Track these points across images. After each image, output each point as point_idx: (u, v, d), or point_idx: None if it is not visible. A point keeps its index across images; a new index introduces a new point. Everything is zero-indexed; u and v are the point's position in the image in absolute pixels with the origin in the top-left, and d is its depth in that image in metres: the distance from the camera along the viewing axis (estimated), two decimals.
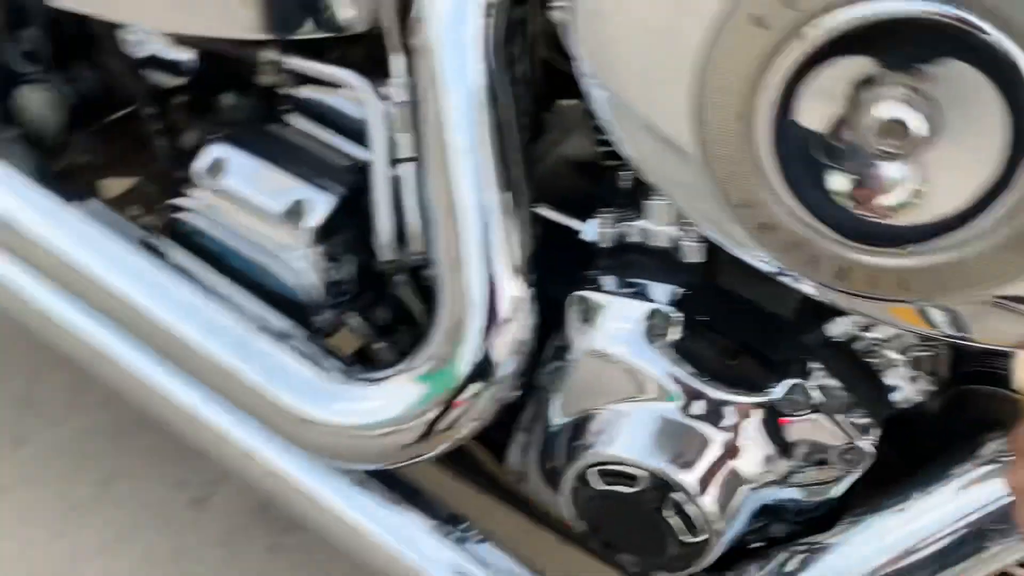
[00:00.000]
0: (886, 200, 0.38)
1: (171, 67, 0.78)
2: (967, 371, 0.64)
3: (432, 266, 0.65)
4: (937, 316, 0.45)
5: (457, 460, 0.75)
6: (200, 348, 0.70)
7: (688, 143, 0.43)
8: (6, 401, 1.05)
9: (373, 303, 0.74)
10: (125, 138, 0.84)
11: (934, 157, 0.38)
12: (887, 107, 0.37)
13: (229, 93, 0.78)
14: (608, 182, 0.66)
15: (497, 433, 0.70)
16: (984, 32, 0.36)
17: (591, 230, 0.65)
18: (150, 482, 1.02)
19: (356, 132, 0.73)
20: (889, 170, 0.38)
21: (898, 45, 0.36)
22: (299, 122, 0.75)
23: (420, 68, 0.62)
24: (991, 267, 0.39)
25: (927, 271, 0.40)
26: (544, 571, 0.73)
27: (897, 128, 0.37)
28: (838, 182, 0.39)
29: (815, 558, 0.61)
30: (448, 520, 0.73)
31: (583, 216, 0.67)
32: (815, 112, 0.39)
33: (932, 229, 0.38)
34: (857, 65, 0.37)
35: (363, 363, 0.74)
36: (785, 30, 0.37)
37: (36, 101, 0.78)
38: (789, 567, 0.62)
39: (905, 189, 0.38)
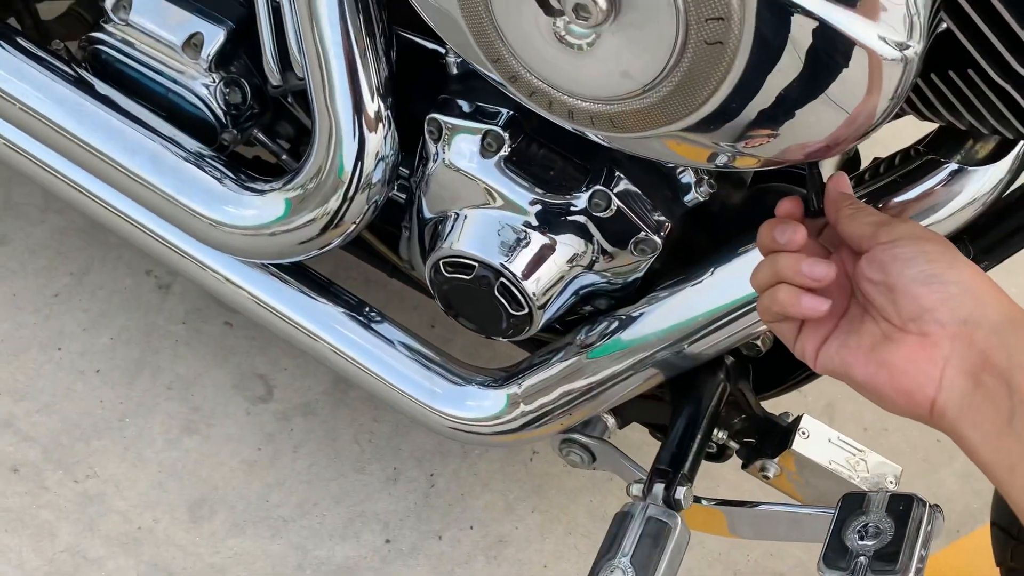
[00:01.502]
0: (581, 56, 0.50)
1: None
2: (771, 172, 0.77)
3: (307, 90, 0.76)
4: (655, 145, 0.57)
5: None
6: (127, 167, 0.83)
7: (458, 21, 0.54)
8: None
9: (273, 122, 0.86)
10: None
11: (612, 26, 0.49)
12: None
13: None
14: None
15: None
16: None
17: (450, 53, 0.76)
18: (120, 272, 1.18)
19: None
20: (581, 32, 0.49)
21: None
22: None
23: None
24: (664, 110, 0.51)
25: (624, 112, 0.52)
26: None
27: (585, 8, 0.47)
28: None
29: (625, 324, 0.77)
30: (346, 302, 0.89)
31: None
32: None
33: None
34: None
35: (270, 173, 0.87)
36: None
37: None
38: (603, 330, 0.78)
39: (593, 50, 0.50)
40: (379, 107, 0.74)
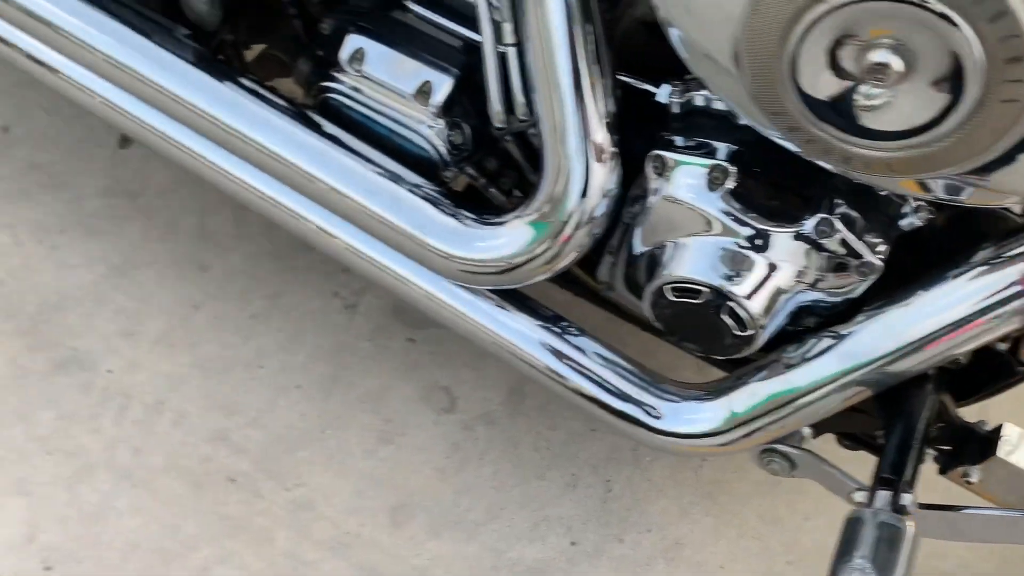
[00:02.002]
0: (874, 112, 0.55)
1: None
2: None
3: (537, 129, 0.83)
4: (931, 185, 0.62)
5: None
6: (356, 199, 0.90)
7: (734, 71, 0.60)
8: (186, 235, 1.29)
9: (487, 158, 0.93)
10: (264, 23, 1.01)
11: (908, 86, 0.54)
12: (875, 54, 0.53)
13: None
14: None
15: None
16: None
17: (663, 94, 0.82)
18: (309, 294, 1.27)
19: (465, 15, 0.89)
20: (876, 92, 0.54)
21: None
22: (416, 8, 0.91)
23: None
24: (947, 157, 0.56)
25: (906, 158, 0.57)
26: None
27: (882, 68, 0.53)
28: (843, 101, 0.56)
29: (837, 341, 0.82)
30: (550, 319, 0.96)
31: (656, 75, 0.83)
32: (826, 55, 0.55)
33: (907, 132, 0.55)
34: (854, 18, 0.53)
35: (480, 204, 0.94)
36: None
37: (199, 1, 0.95)
38: (816, 348, 0.83)
39: (887, 106, 0.54)
40: (607, 145, 0.81)
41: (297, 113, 0.93)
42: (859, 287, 0.79)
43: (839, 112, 0.57)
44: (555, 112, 0.80)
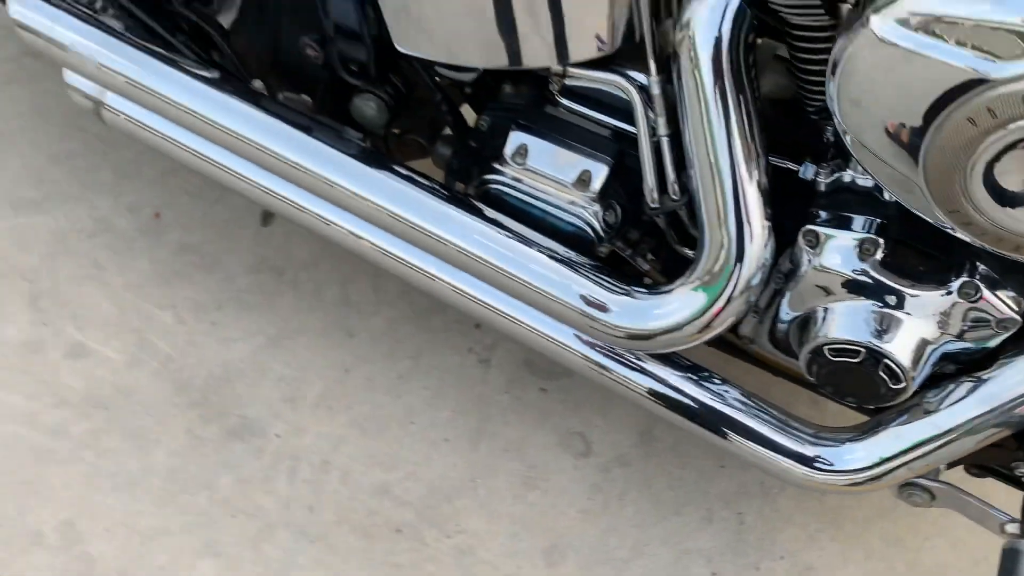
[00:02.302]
0: None
1: (460, 68, 1.04)
2: None
3: (696, 209, 0.92)
4: None
5: None
6: (522, 277, 1.00)
7: (914, 177, 0.70)
8: (332, 304, 1.40)
9: (641, 233, 1.03)
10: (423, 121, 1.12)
11: None
12: None
13: (507, 83, 1.04)
14: (817, 131, 0.91)
15: None
16: None
17: (808, 171, 0.91)
18: (447, 352, 1.37)
19: (612, 106, 0.99)
20: None
21: None
22: (566, 102, 1.01)
23: (683, 65, 0.86)
24: None
25: None
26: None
27: None
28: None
29: (977, 386, 0.91)
30: (691, 367, 1.05)
31: (791, 151, 0.93)
32: (1008, 170, 0.65)
33: None
34: None
35: (630, 275, 1.03)
36: (989, 128, 0.62)
37: (368, 107, 1.06)
38: (958, 392, 0.92)
39: None
40: (763, 220, 0.90)
41: (462, 201, 1.03)
42: (998, 339, 0.88)
43: (1015, 210, 0.67)
44: (716, 194, 0.89)
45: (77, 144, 1.54)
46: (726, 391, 1.04)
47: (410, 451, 1.30)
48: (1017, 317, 0.86)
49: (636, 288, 0.96)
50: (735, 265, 0.91)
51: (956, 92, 0.67)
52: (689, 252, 1.00)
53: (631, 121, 0.95)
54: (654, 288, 0.97)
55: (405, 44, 0.94)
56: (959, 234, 0.75)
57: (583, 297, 0.97)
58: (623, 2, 0.88)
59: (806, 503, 1.29)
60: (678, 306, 0.94)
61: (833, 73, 0.73)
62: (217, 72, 1.11)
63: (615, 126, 1.00)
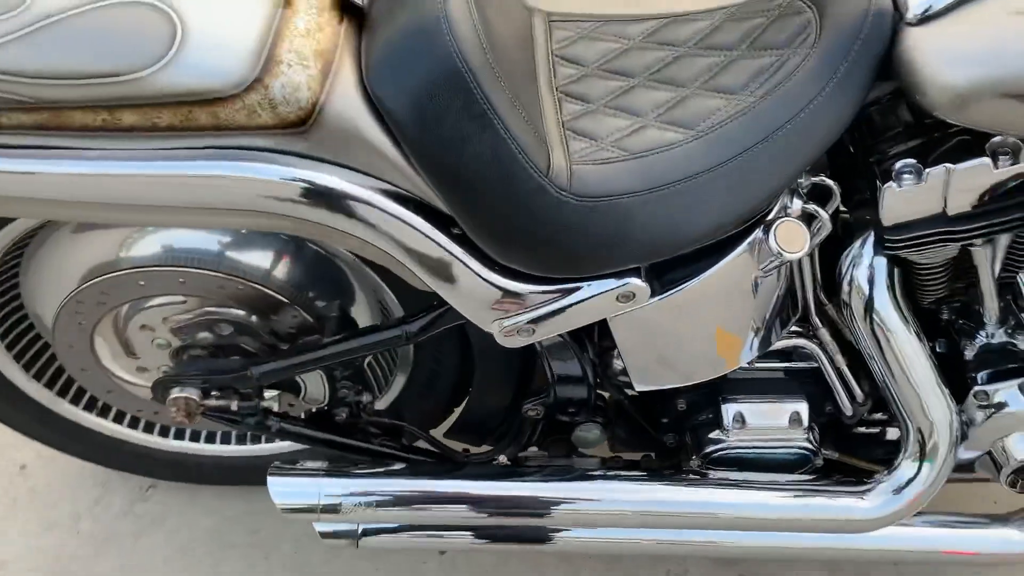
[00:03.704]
0: None
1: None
2: None
3: (900, 417, 1.18)
4: None
5: None
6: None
7: None
8: None
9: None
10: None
11: None
12: None
13: None
14: None
15: None
16: None
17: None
18: None
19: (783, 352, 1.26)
20: None
21: None
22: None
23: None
24: None
25: None
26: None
27: None
28: None
29: None
30: None
31: None
32: None
33: None
34: None
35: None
36: None
37: (592, 433, 1.25)
38: None
39: None
40: (950, 411, 1.18)
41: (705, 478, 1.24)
42: None
43: None
44: (913, 406, 1.16)
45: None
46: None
47: None
48: None
49: (872, 480, 1.22)
50: (940, 455, 1.19)
51: None
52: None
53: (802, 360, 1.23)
54: (879, 474, 1.23)
55: (646, 384, 1.16)
56: None
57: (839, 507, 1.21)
58: None
59: None
60: (892, 497, 1.21)
61: None
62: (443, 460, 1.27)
63: (798, 368, 1.26)
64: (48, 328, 1.29)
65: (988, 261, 1.10)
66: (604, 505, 1.23)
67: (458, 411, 1.35)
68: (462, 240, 0.99)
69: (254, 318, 1.22)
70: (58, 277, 1.21)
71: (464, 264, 0.99)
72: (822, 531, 1.25)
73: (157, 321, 1.23)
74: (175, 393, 1.22)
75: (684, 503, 1.24)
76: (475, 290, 1.01)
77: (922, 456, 1.21)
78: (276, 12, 0.91)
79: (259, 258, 1.19)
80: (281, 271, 1.20)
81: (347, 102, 0.92)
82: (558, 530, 1.25)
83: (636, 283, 1.02)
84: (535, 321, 1.04)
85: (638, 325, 1.07)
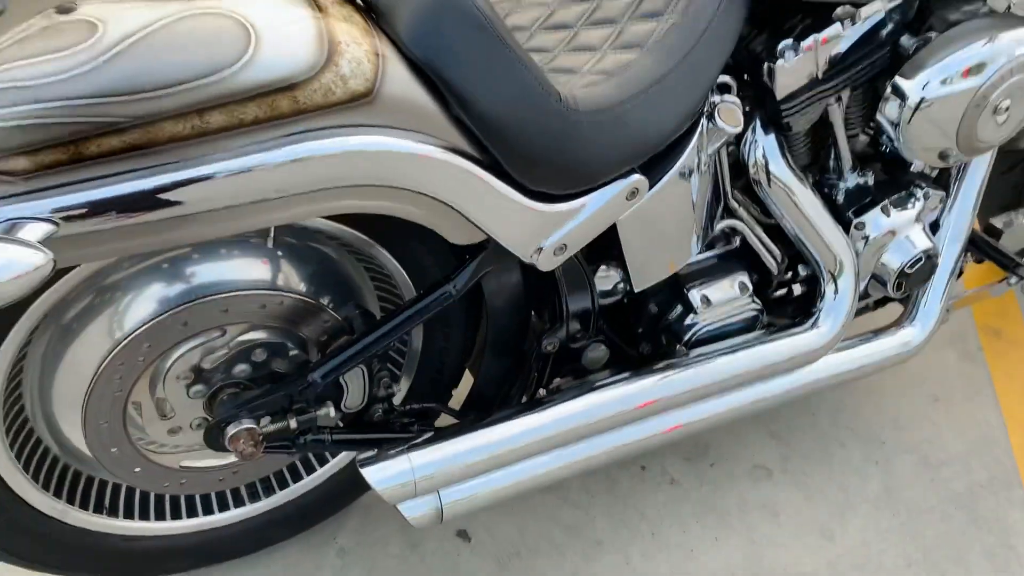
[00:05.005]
0: None
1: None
2: None
3: (812, 257, 1.51)
4: None
5: None
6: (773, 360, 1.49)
7: None
8: None
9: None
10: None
11: None
12: None
13: None
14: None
15: None
16: None
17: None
18: None
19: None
20: None
21: None
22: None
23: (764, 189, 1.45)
24: None
25: None
26: None
27: None
28: None
29: None
30: None
31: None
32: None
33: None
34: None
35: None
36: None
37: (600, 353, 1.43)
38: None
39: None
40: (845, 239, 1.52)
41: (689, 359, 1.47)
42: None
43: None
44: (818, 245, 1.49)
45: None
46: None
47: None
48: None
49: (812, 312, 1.53)
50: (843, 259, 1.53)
51: None
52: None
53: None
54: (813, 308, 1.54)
55: (643, 283, 1.37)
56: None
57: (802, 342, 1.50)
58: None
59: None
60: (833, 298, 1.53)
61: None
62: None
63: (726, 251, 1.54)
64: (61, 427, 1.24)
65: (840, 117, 1.46)
66: (645, 396, 1.42)
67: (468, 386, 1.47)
68: (504, 178, 1.16)
69: (299, 329, 1.28)
70: (84, 350, 1.19)
71: (509, 198, 1.16)
72: (795, 367, 1.53)
73: (195, 362, 1.25)
74: (232, 430, 1.23)
75: (693, 379, 1.46)
76: (519, 218, 1.18)
77: (836, 279, 1.54)
78: (315, 11, 1.04)
79: (262, 271, 1.26)
80: (295, 278, 1.28)
81: (397, 71, 1.06)
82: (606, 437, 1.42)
83: (638, 177, 1.25)
84: (566, 236, 1.23)
85: (640, 222, 1.30)
